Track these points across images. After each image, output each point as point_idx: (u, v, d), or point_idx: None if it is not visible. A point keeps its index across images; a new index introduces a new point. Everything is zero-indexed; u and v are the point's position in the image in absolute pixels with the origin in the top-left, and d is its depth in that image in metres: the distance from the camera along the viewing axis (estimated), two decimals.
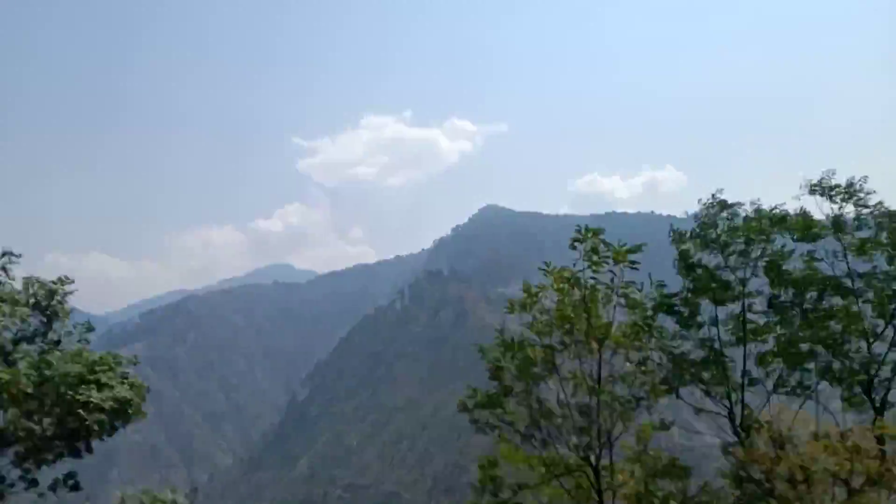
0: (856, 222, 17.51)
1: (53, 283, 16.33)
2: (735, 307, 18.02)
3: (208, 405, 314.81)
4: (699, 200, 19.64)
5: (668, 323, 18.39)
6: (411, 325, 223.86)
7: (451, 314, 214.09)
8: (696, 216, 19.77)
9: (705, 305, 18.27)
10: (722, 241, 18.48)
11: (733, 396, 17.57)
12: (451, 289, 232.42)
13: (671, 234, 20.25)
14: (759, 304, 18.14)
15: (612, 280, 14.19)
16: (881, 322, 17.34)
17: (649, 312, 16.98)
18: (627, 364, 15.03)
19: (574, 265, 14.86)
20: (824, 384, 17.90)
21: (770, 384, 17.72)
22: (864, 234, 17.55)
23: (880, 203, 17.43)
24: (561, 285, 14.62)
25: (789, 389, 17.74)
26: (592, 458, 14.01)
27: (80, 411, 14.30)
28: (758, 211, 18.41)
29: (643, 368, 15.44)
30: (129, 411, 15.44)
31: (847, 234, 17.52)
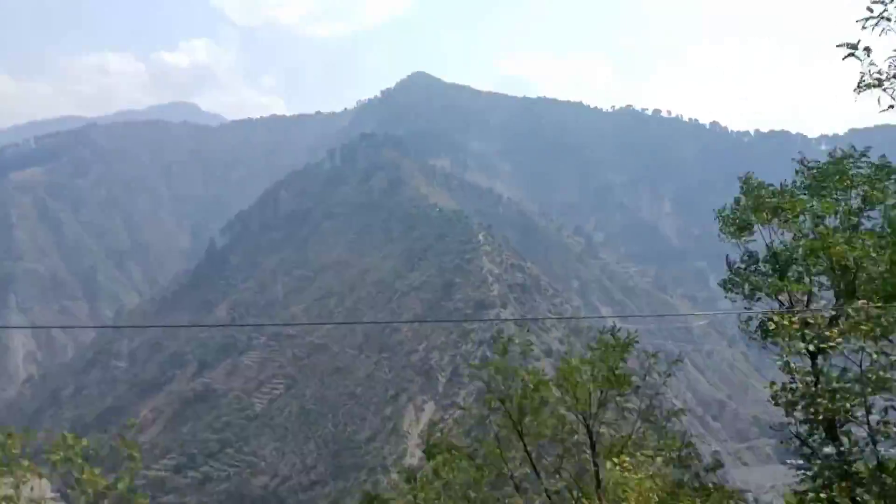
0: None
1: None
2: None
3: (112, 242, 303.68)
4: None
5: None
6: (342, 187, 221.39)
7: (385, 179, 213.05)
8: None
9: None
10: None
11: None
12: (385, 154, 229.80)
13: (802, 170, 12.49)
14: None
15: None
16: None
17: None
18: None
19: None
20: None
21: None
22: None
23: None
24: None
25: None
26: None
27: None
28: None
29: None
30: None
31: None
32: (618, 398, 13.21)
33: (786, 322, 9.86)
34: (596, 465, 12.32)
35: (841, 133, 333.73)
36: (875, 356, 8.82)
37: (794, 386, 9.94)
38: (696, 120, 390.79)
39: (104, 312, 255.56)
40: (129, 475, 6.55)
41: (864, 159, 11.49)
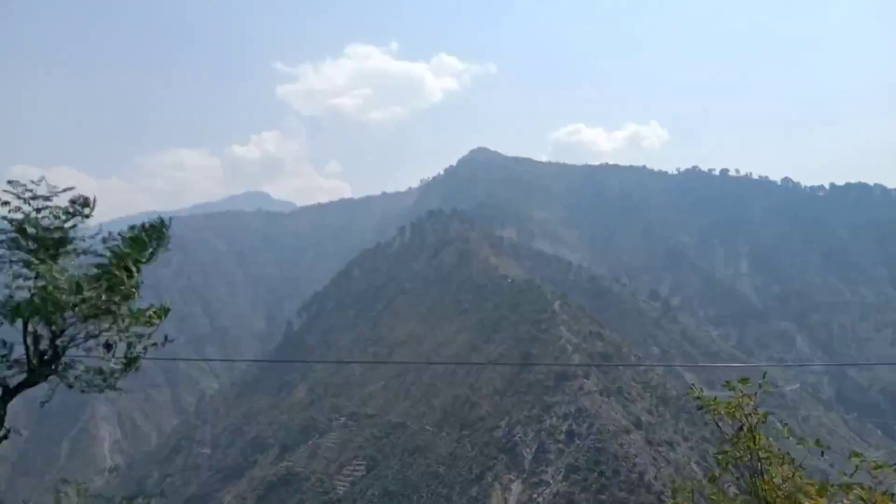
0: None
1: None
2: None
3: (192, 328, 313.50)
4: None
5: None
6: (412, 263, 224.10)
7: (454, 253, 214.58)
8: None
9: None
10: None
11: None
12: (453, 228, 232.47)
13: None
14: None
15: None
16: None
17: None
18: None
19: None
20: None
21: None
22: None
23: None
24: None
25: None
26: None
27: None
28: None
29: None
30: None
31: None
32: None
33: None
34: None
35: None
36: None
37: None
38: (766, 177, 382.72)
39: (185, 398, 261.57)
40: None
41: None
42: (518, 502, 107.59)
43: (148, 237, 9.06)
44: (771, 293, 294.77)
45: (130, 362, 9.23)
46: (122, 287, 8.85)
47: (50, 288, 8.12)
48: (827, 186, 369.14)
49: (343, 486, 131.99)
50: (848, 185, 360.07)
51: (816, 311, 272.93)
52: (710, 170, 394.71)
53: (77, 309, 8.40)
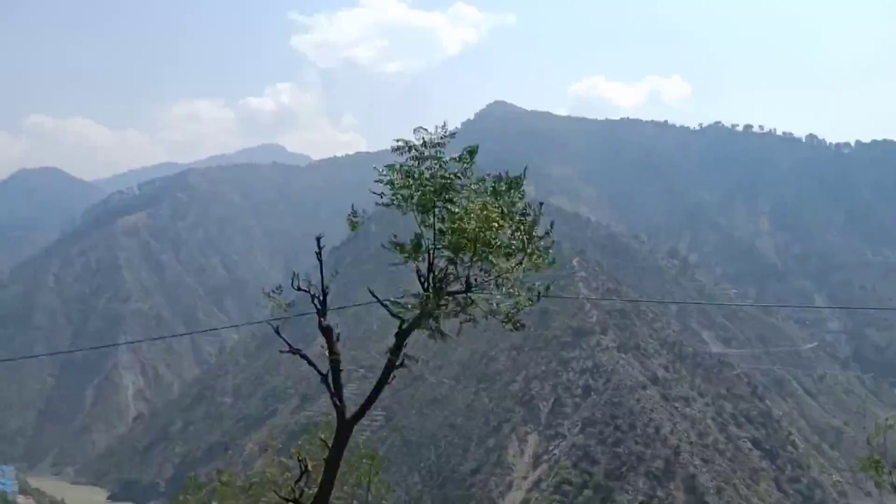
0: None
1: None
2: None
3: (210, 280, 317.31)
4: None
5: None
6: None
7: None
8: None
9: None
10: None
11: None
12: None
13: None
14: None
15: None
16: None
17: None
18: None
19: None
20: None
21: None
22: None
23: None
24: None
25: None
26: None
27: None
28: None
29: None
30: None
31: None
32: None
33: None
34: None
35: None
36: None
37: None
38: (790, 134, 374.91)
39: (206, 349, 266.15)
40: None
41: None
42: (535, 454, 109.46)
43: (508, 186, 9.87)
44: (791, 252, 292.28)
45: (531, 299, 9.90)
46: (523, 227, 9.46)
47: (471, 224, 8.93)
48: (853, 144, 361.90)
49: (362, 436, 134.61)
50: (874, 142, 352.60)
51: (837, 271, 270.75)
52: (733, 126, 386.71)
53: (487, 246, 9.16)
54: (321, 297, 11.39)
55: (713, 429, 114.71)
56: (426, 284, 10.23)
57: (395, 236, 10.70)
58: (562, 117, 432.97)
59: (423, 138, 9.71)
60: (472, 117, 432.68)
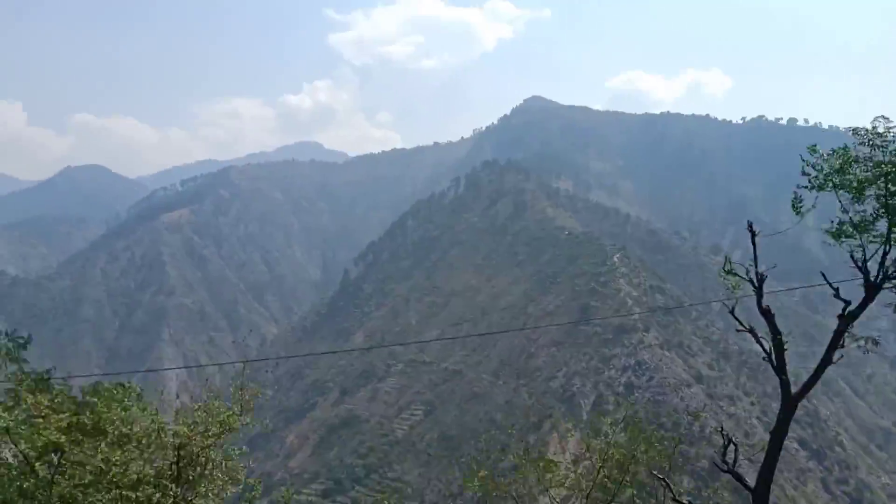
0: None
1: None
2: None
3: (251, 275, 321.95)
4: None
5: None
6: (467, 213, 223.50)
7: (510, 204, 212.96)
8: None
9: None
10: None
11: None
12: (508, 179, 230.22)
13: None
14: None
15: None
16: None
17: None
18: None
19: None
20: None
21: None
22: None
23: None
24: None
25: None
26: None
27: None
28: None
29: None
30: None
31: None
32: None
33: None
34: None
35: None
36: None
37: None
38: (836, 127, 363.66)
39: (247, 342, 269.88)
40: None
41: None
42: (576, 451, 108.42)
43: None
44: (839, 248, 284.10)
45: None
46: None
47: None
48: None
49: (402, 430, 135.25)
50: None
51: None
52: (776, 119, 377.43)
53: None
54: (757, 283, 12.30)
55: (759, 428, 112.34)
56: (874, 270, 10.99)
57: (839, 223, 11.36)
58: (600, 112, 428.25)
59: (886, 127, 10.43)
60: (508, 112, 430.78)
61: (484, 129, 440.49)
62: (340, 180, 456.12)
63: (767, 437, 12.47)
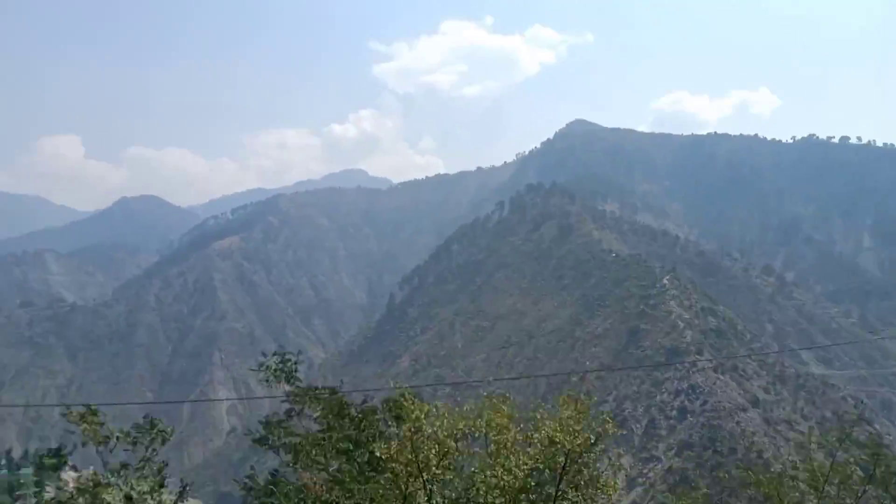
0: None
1: None
2: None
3: (299, 300, 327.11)
4: None
5: None
6: (511, 237, 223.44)
7: (555, 227, 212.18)
8: None
9: None
10: None
11: None
12: (552, 202, 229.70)
13: None
14: None
15: None
16: None
17: None
18: None
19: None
20: None
21: None
22: None
23: None
24: None
25: None
26: None
27: None
28: None
29: None
30: None
31: None
32: None
33: None
34: None
35: None
36: None
37: None
38: (891, 144, 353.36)
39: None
40: None
41: None
42: (628, 477, 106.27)
43: None
44: None
45: None
46: None
47: None
48: None
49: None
50: None
51: None
52: (828, 137, 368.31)
53: None
54: None
55: (819, 454, 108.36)
56: None
57: None
58: (645, 133, 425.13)
59: None
60: (551, 136, 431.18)
61: (527, 153, 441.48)
62: (385, 206, 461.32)
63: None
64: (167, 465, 13.38)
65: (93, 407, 12.62)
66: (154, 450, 12.78)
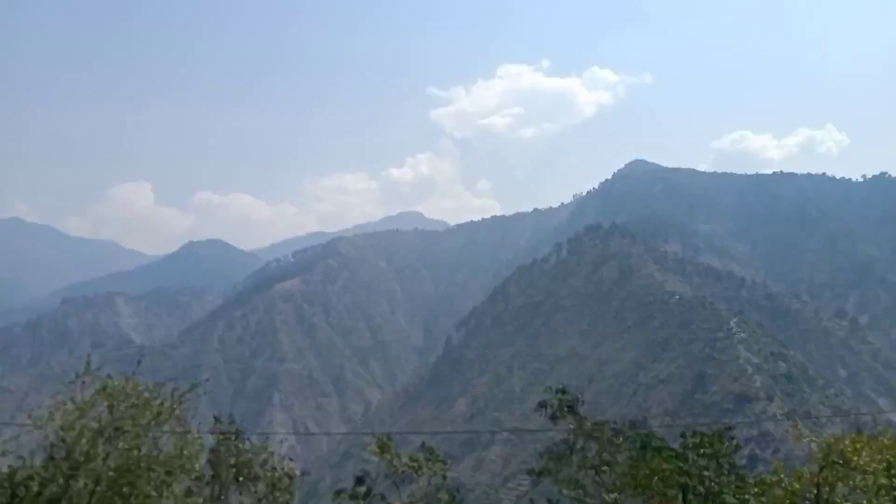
0: None
1: None
2: None
3: (357, 341, 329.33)
4: None
5: None
6: (570, 279, 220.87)
7: (615, 269, 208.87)
8: None
9: None
10: None
11: None
12: (613, 243, 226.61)
13: None
14: None
15: None
16: None
17: None
18: None
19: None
20: None
21: None
22: None
23: None
24: None
25: None
26: None
27: None
28: None
29: None
30: None
31: None
32: None
33: None
34: None
35: None
36: None
37: None
38: None
39: (352, 408, 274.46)
40: None
41: None
42: None
43: None
44: None
45: None
46: None
47: None
48: None
49: (508, 500, 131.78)
50: None
51: None
52: None
53: None
54: None
55: None
56: None
57: None
58: (707, 173, 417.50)
59: None
60: (609, 177, 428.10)
61: (585, 193, 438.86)
62: (442, 248, 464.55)
63: None
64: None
65: (385, 439, 14.79)
66: (444, 476, 14.75)
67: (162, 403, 14.34)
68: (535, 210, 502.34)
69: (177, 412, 14.08)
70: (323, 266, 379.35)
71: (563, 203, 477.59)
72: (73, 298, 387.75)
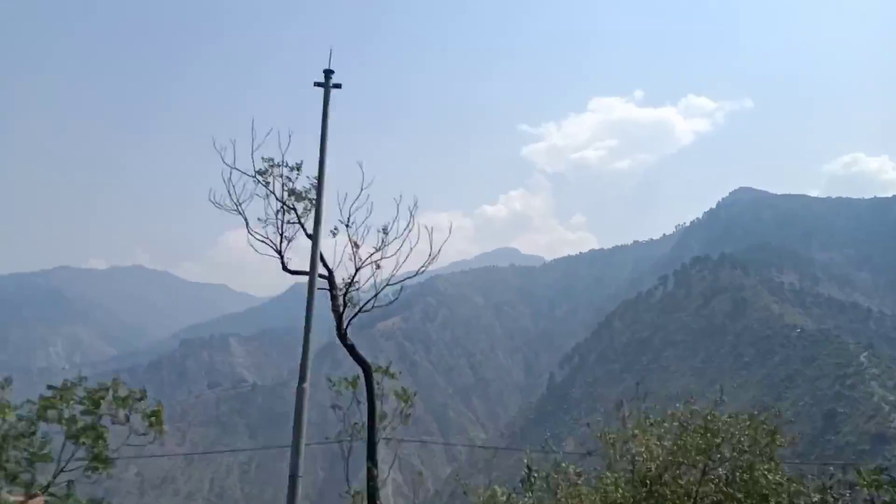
0: None
1: None
2: None
3: (458, 379, 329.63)
4: None
5: None
6: (679, 313, 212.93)
7: (728, 301, 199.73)
8: None
9: None
10: None
11: None
12: (723, 274, 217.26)
13: None
14: None
15: None
16: None
17: None
18: None
19: None
20: None
21: None
22: None
23: None
24: None
25: None
26: None
27: None
28: None
29: None
30: None
31: None
32: None
33: None
34: None
35: None
36: None
37: None
38: None
39: (456, 447, 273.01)
40: None
41: None
42: None
43: None
44: None
45: None
46: None
47: None
48: None
49: None
50: None
51: None
52: None
53: None
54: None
55: None
56: None
57: None
58: (820, 199, 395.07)
59: None
60: (714, 206, 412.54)
61: (688, 223, 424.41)
62: (539, 283, 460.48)
63: None
64: None
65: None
66: None
67: None
68: (635, 242, 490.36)
69: None
70: (422, 304, 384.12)
71: (664, 234, 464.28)
72: (190, 340, 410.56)
